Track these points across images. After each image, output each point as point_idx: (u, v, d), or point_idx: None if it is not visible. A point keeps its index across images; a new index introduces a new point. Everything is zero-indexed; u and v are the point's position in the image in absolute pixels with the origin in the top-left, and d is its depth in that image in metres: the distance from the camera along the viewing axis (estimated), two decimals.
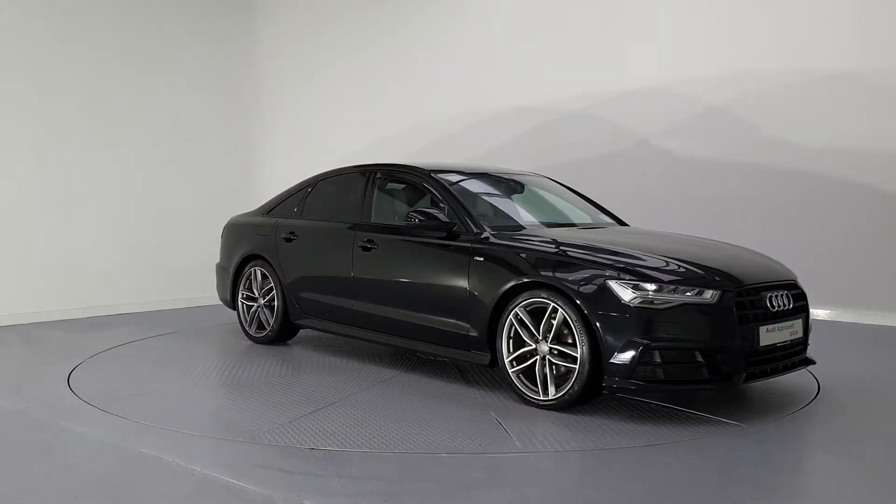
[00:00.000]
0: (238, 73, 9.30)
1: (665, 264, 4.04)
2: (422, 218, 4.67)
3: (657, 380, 3.80)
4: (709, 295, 3.83)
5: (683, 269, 4.01)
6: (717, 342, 3.82)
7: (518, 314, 4.17)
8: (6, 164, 7.06)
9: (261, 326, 5.93)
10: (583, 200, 5.73)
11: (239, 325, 6.13)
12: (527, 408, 4.15)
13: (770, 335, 4.01)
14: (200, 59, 8.76)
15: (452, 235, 4.64)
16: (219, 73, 9.01)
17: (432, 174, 5.08)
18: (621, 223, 5.57)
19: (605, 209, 5.76)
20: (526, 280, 4.18)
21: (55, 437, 3.79)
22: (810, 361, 4.39)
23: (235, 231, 6.32)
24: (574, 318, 3.91)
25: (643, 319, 3.78)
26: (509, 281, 4.23)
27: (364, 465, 3.32)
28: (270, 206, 6.16)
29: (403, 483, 3.13)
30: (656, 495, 3.00)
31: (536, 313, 4.14)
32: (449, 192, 4.91)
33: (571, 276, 3.99)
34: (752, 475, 3.20)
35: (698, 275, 3.97)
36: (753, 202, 7.37)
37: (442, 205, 4.84)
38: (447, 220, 4.67)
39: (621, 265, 3.98)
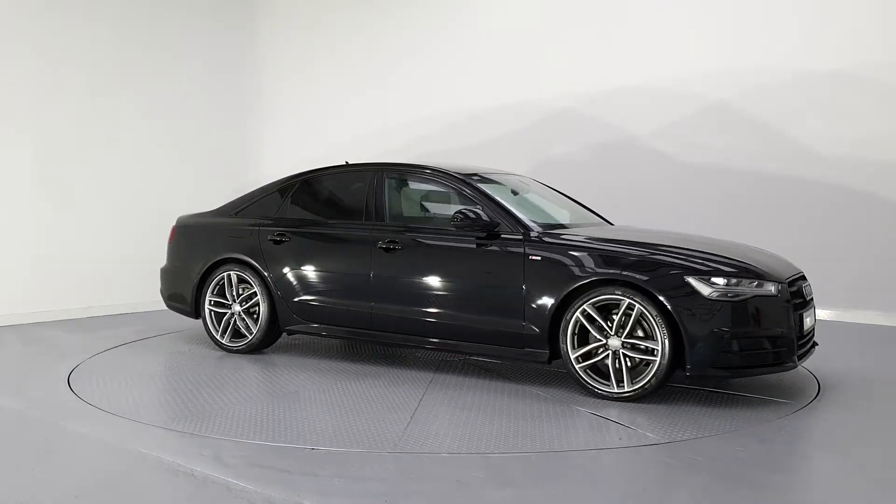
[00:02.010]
0: (238, 69, 9.29)
1: (722, 260, 4.30)
2: (464, 217, 4.65)
3: (733, 366, 4.16)
4: (771, 287, 4.21)
5: (740, 265, 4.29)
6: (779, 330, 4.21)
7: (586, 310, 4.29)
8: (5, 164, 7.06)
9: (237, 335, 5.58)
10: (569, 200, 5.74)
11: (207, 334, 5.71)
12: (599, 400, 4.28)
13: (807, 321, 4.48)
14: (200, 54, 8.75)
15: (493, 235, 4.67)
16: (218, 70, 9.00)
17: (459, 176, 5.04)
18: (608, 223, 5.59)
19: (589, 209, 5.76)
20: (602, 277, 4.28)
21: (55, 437, 3.79)
22: (816, 343, 4.78)
23: (196, 232, 5.93)
24: (654, 313, 4.11)
25: (722, 311, 4.08)
26: (580, 279, 4.33)
27: (364, 465, 3.32)
28: (237, 206, 5.83)
29: (403, 483, 3.13)
30: (656, 495, 3.00)
31: (601, 310, 4.31)
32: (483, 192, 4.90)
33: (650, 273, 4.20)
34: (752, 475, 3.20)
35: (755, 269, 4.29)
36: (751, 201, 7.36)
37: (478, 206, 4.78)
38: (490, 219, 4.67)
39: (692, 261, 4.24)
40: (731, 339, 4.08)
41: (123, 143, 7.94)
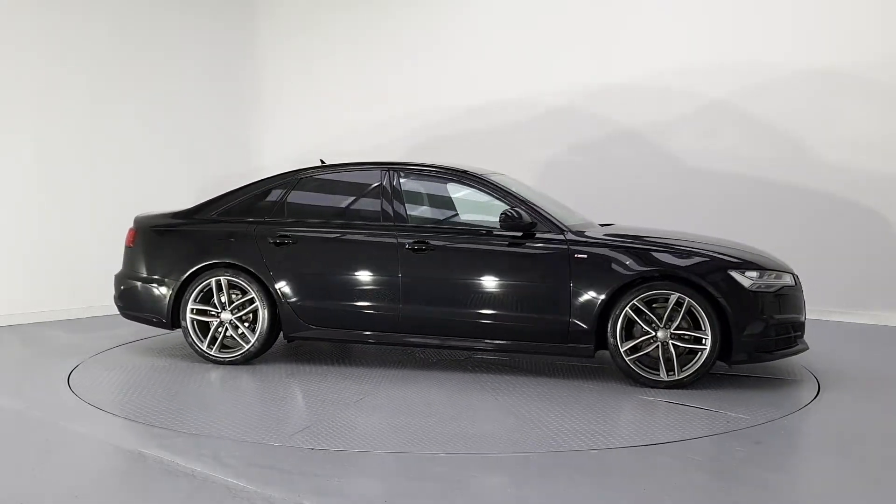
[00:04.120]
0: (238, 67, 9.30)
1: (750, 255, 4.72)
2: (507, 218, 4.74)
3: (769, 350, 4.56)
4: (788, 278, 4.67)
5: (764, 258, 4.75)
6: (797, 315, 4.69)
7: (636, 305, 4.52)
8: (6, 163, 7.06)
9: (226, 345, 5.22)
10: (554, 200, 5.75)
11: (190, 346, 5.27)
12: (652, 390, 4.53)
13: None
14: (200, 54, 8.76)
15: (530, 234, 4.76)
16: (218, 67, 9.01)
17: (482, 177, 5.10)
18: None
19: (568, 208, 5.78)
20: (653, 273, 4.54)
21: (55, 437, 3.79)
22: None
23: (170, 236, 5.47)
24: (704, 305, 4.43)
25: (761, 302, 4.51)
26: (631, 275, 4.55)
27: (364, 465, 3.32)
28: (216, 207, 5.43)
29: (403, 483, 3.13)
30: (656, 495, 3.00)
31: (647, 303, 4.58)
32: (512, 193, 4.97)
33: (698, 268, 4.52)
34: (752, 475, 3.20)
35: (774, 262, 4.77)
36: (751, 200, 7.36)
37: (518, 209, 4.81)
38: (531, 220, 4.77)
39: (730, 257, 4.61)
40: (769, 326, 4.49)
41: (123, 143, 7.95)
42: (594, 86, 8.04)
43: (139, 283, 5.49)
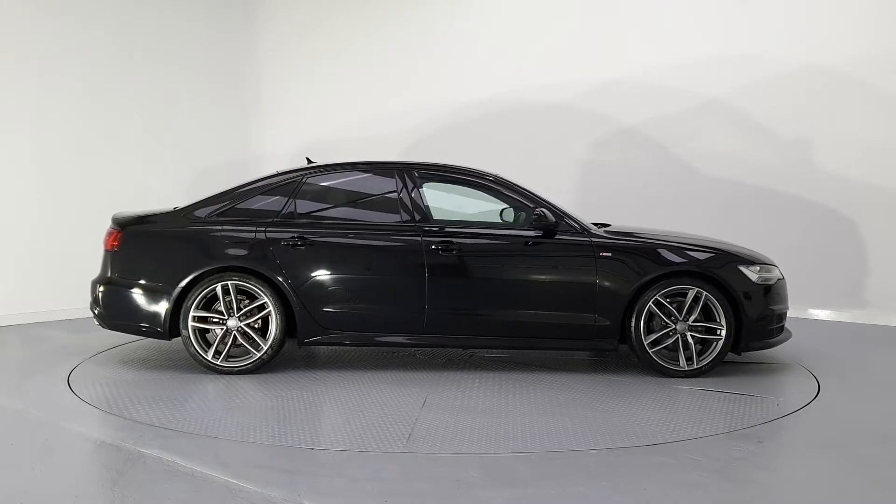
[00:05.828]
0: (238, 67, 9.31)
1: (748, 252, 5.05)
2: (538, 218, 4.87)
3: (768, 338, 4.93)
4: (778, 272, 5.04)
5: (755, 253, 5.07)
6: (785, 306, 5.08)
7: (658, 299, 4.80)
8: (5, 164, 7.06)
9: (230, 353, 4.98)
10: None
11: (192, 356, 4.97)
12: (672, 380, 4.83)
13: None
14: (199, 54, 8.79)
15: (551, 233, 4.93)
16: (218, 68, 9.03)
17: (501, 178, 5.21)
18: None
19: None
20: (677, 270, 4.82)
21: (55, 437, 3.79)
22: None
23: (166, 237, 5.07)
24: (719, 299, 4.79)
25: (766, 294, 4.89)
26: (654, 272, 4.81)
27: (364, 465, 3.32)
28: (212, 206, 5.11)
29: (403, 483, 3.13)
30: (656, 495, 3.00)
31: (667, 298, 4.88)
32: (534, 194, 5.10)
33: (713, 264, 4.86)
34: (752, 475, 3.20)
35: (764, 257, 5.09)
36: (750, 199, 7.36)
37: (540, 209, 4.90)
38: (554, 220, 4.93)
39: (735, 253, 4.95)
40: (770, 316, 4.88)
41: (123, 142, 7.96)
42: (591, 85, 8.04)
43: (127, 290, 5.03)
